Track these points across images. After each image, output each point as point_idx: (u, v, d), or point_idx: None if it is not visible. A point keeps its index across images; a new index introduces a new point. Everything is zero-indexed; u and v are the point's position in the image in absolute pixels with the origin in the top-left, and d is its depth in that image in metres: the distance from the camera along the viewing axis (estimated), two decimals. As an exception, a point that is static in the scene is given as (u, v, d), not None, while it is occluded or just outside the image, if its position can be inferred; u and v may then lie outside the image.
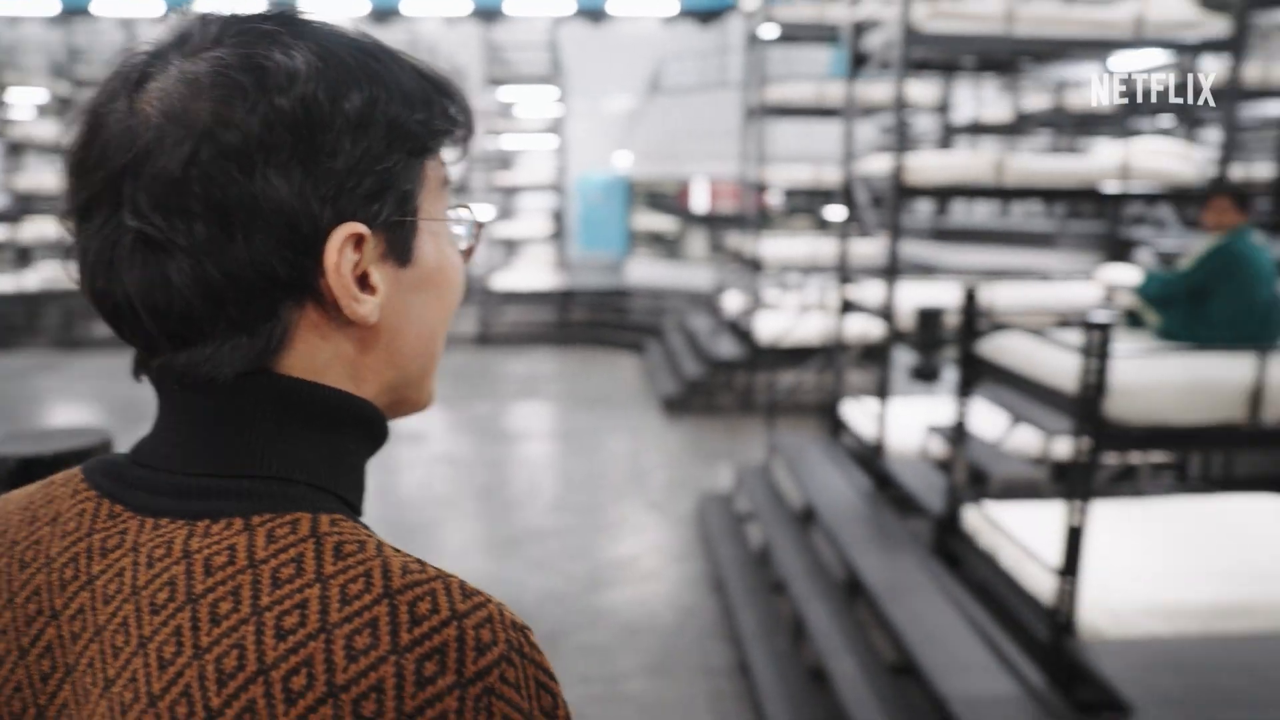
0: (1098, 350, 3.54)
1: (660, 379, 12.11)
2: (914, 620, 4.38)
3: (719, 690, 5.10)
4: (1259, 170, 8.65)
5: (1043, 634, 3.92)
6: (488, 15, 19.30)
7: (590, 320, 16.58)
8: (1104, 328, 3.53)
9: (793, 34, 10.34)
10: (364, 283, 0.58)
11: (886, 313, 6.14)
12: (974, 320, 4.71)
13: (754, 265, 11.30)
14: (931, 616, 4.42)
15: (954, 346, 4.81)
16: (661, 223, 20.04)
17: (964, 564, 4.93)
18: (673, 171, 17.37)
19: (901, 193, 5.98)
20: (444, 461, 9.06)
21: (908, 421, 6.52)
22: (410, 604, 0.49)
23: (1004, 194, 6.31)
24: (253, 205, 0.52)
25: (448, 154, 0.64)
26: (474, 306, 16.78)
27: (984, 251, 8.34)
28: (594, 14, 21.65)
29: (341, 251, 0.55)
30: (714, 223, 18.40)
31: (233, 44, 0.54)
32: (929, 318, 4.74)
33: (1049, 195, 6.25)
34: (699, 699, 5.04)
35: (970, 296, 4.70)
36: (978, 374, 4.75)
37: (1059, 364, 3.95)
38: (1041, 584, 4.08)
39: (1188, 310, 4.61)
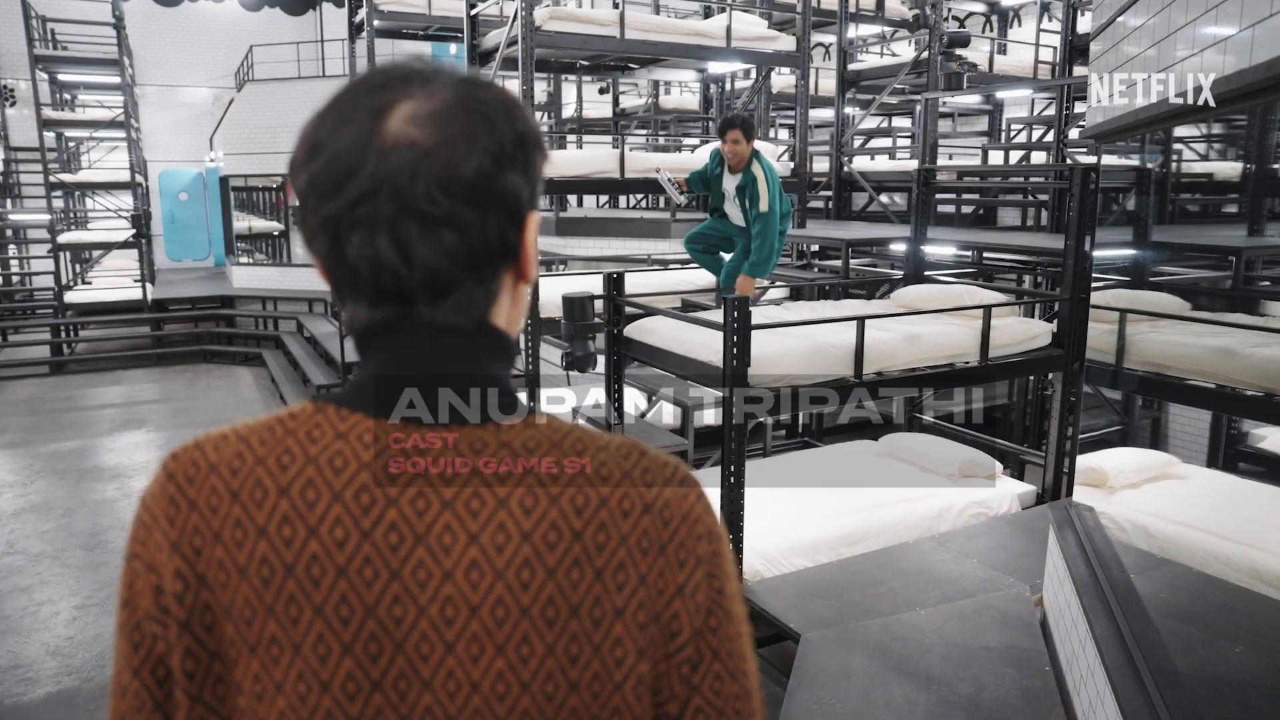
0: (739, 325, 3.96)
1: (287, 392, 11.32)
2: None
3: None
4: (819, 165, 10.16)
5: (711, 586, 4.32)
6: (26, -14, 16.49)
7: (194, 334, 14.99)
8: (742, 302, 3.96)
9: (397, 27, 10.16)
10: None
11: (530, 304, 6.31)
12: (620, 305, 5.01)
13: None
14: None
15: (600, 333, 5.08)
16: (265, 223, 18.64)
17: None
18: (271, 168, 16.22)
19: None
20: (30, 512, 7.70)
21: (560, 410, 6.77)
22: (654, 456, 0.79)
23: (626, 186, 6.79)
24: (503, 195, 0.75)
25: None
26: (43, 330, 14.39)
27: (602, 242, 8.86)
28: (162, -7, 19.46)
29: (534, 228, 0.79)
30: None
31: (467, 83, 0.77)
32: (575, 305, 4.94)
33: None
34: None
35: (615, 282, 4.99)
36: (627, 356, 5.07)
37: (704, 341, 4.35)
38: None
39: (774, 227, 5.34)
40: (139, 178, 15.97)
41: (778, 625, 3.83)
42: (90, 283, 16.45)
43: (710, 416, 6.35)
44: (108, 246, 15.46)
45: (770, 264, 5.33)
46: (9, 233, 17.56)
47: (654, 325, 4.88)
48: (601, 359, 5.39)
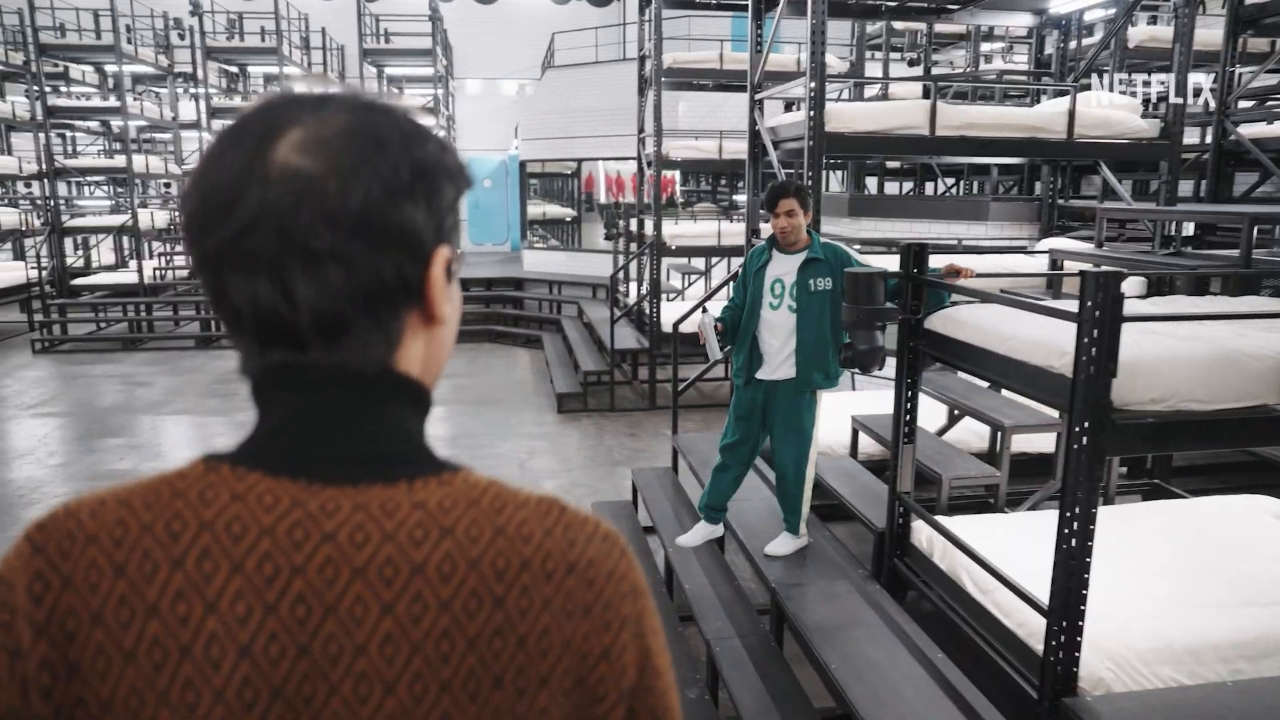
0: (1106, 315, 2.63)
1: (558, 375, 11.02)
2: (857, 671, 3.43)
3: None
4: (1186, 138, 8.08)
5: (1031, 689, 3.02)
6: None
7: (483, 314, 15.38)
8: (1114, 278, 2.63)
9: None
10: None
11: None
12: (921, 286, 3.79)
13: (656, 249, 10.34)
14: (878, 662, 3.48)
15: (893, 322, 3.88)
16: (558, 209, 18.93)
17: (914, 590, 4.03)
18: (566, 152, 16.29)
19: (821, 146, 5.07)
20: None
21: (833, 416, 5.63)
22: (574, 513, 0.74)
23: (937, 146, 5.46)
24: (399, 230, 0.69)
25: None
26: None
27: (903, 224, 7.53)
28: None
29: (441, 265, 0.72)
30: (614, 209, 17.40)
31: (364, 108, 0.70)
32: (860, 283, 3.79)
33: (986, 147, 5.44)
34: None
35: (916, 255, 3.78)
36: (927, 355, 3.84)
37: (1043, 338, 3.04)
38: (1023, 619, 3.18)
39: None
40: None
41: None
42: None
43: (1034, 441, 4.91)
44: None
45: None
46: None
47: (967, 315, 3.61)
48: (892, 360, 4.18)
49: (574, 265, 15.74)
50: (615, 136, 14.50)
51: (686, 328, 8.41)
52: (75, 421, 9.53)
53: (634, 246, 11.63)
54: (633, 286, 11.88)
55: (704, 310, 4.39)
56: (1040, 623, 3.02)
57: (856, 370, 3.85)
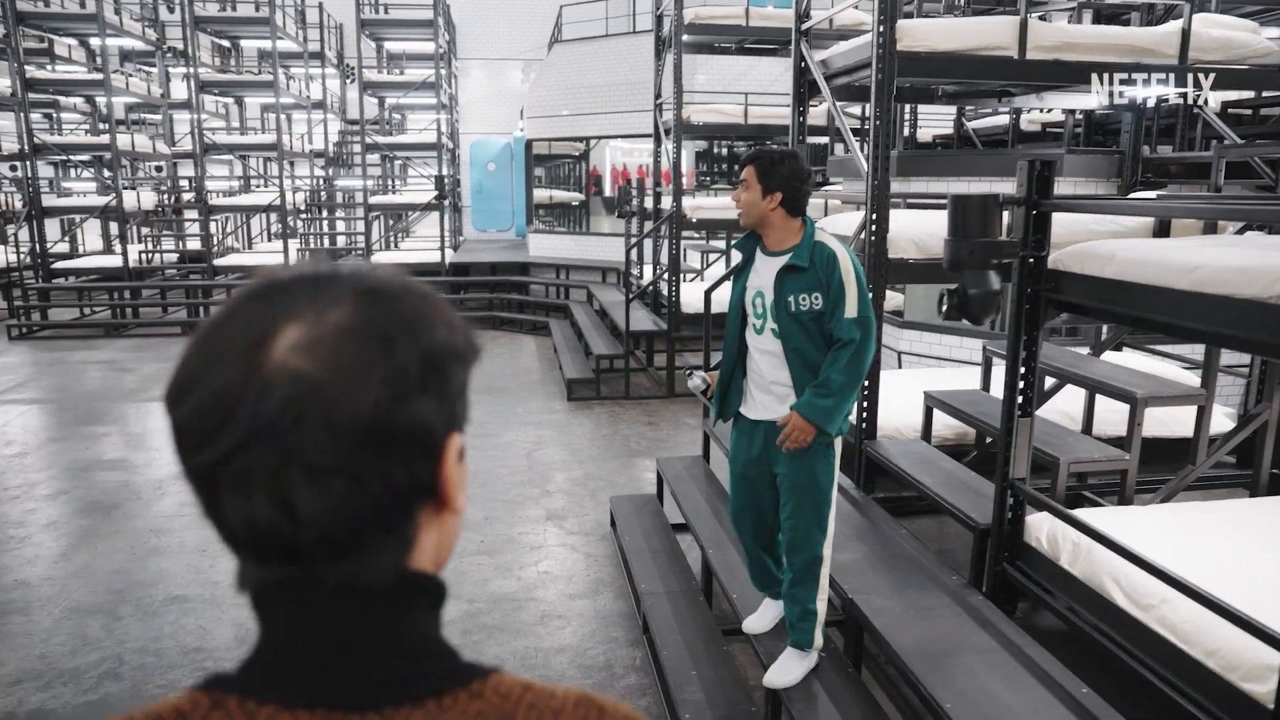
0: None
1: (567, 361, 10.20)
2: (982, 713, 2.59)
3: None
4: None
5: (1248, 749, 2.19)
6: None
7: (487, 299, 14.56)
8: None
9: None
10: None
11: (874, 236, 4.40)
12: (1047, 213, 2.95)
13: (676, 222, 9.50)
14: (1003, 699, 2.65)
15: (1010, 260, 3.05)
16: (565, 193, 18.11)
17: (1026, 602, 3.20)
18: (572, 130, 15.41)
19: (892, 71, 4.23)
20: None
21: (897, 393, 4.80)
22: (612, 713, 0.67)
23: (1026, 71, 4.59)
24: (410, 431, 0.60)
25: None
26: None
27: (959, 183, 6.69)
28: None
29: (454, 455, 0.64)
30: (626, 187, 16.57)
31: (367, 296, 0.61)
32: (970, 210, 2.95)
33: (1082, 74, 4.59)
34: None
35: (1040, 175, 2.94)
36: (1056, 303, 3.00)
37: (1257, 259, 2.21)
38: (1215, 647, 2.34)
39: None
40: (446, 142, 15.89)
41: None
42: (399, 246, 16.71)
43: (1170, 419, 4.07)
44: (413, 208, 15.48)
45: (849, 403, 2.84)
46: (339, 197, 18.42)
47: (1112, 249, 2.78)
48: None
49: (582, 249, 14.91)
50: (627, 113, 13.68)
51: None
52: (42, 409, 8.73)
53: (648, 225, 10.81)
54: (646, 269, 11.05)
55: (690, 373, 3.27)
56: (1244, 652, 2.20)
57: (965, 320, 3.01)
